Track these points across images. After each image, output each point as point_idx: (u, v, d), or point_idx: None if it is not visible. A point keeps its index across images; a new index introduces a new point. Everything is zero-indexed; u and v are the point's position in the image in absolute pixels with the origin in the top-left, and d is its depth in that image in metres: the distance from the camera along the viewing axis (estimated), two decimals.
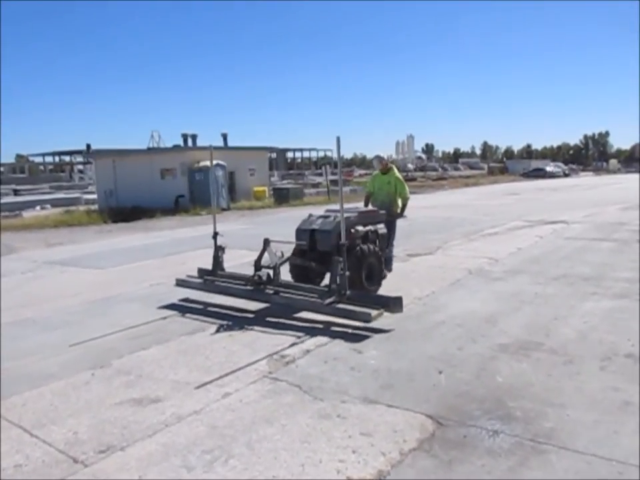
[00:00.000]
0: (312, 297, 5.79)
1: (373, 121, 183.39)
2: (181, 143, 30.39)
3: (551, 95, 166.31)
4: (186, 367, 4.47)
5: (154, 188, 23.14)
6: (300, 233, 6.82)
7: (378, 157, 8.28)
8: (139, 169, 24.01)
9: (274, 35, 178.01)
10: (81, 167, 67.30)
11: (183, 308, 6.43)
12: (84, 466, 3.06)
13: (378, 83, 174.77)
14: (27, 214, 23.60)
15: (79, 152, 61.91)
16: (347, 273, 5.58)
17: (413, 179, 43.94)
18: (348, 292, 5.57)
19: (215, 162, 22.66)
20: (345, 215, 6.01)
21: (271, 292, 6.19)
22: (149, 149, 34.25)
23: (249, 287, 6.34)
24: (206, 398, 3.85)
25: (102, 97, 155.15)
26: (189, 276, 7.18)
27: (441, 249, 10.00)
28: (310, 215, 7.11)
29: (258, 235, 7.99)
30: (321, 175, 44.61)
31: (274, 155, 61.43)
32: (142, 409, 3.74)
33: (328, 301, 5.51)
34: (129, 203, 22.35)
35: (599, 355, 4.46)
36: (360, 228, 6.73)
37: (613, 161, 79.37)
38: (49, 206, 27.75)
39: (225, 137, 31.45)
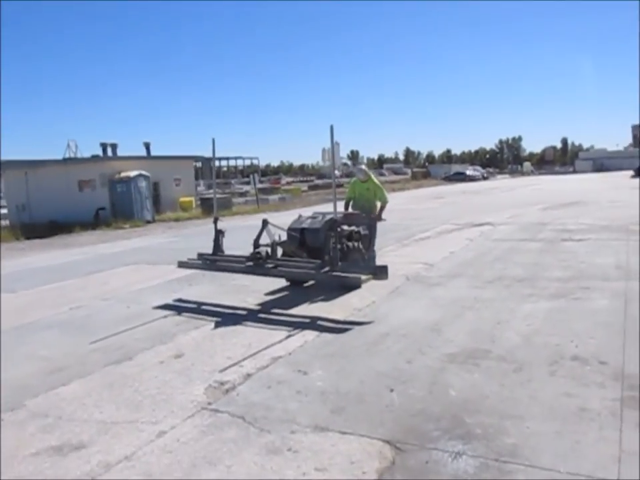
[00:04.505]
0: (308, 269, 6.42)
1: (299, 128, 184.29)
2: (100, 152, 28.87)
3: (468, 101, 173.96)
4: (113, 404, 3.98)
5: (72, 201, 21.85)
6: (291, 231, 7.45)
7: (362, 170, 8.86)
8: (55, 181, 22.61)
9: (193, 38, 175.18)
10: None
11: (104, 334, 5.85)
12: None
13: (302, 91, 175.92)
14: None
15: None
16: (339, 246, 6.38)
17: (340, 185, 44.25)
18: (340, 263, 6.29)
19: (136, 172, 21.82)
20: (330, 216, 6.75)
21: (271, 266, 6.74)
22: (65, 159, 32.34)
23: (249, 264, 6.86)
24: (137, 439, 3.40)
25: (10, 102, 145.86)
26: (189, 259, 7.75)
27: (377, 256, 9.88)
28: (300, 216, 7.98)
29: (187, 249, 7.58)
30: (247, 183, 44.00)
31: (199, 164, 59.99)
32: (62, 459, 3.24)
33: (323, 270, 6.20)
34: (44, 217, 20.98)
35: (546, 359, 4.41)
36: (345, 227, 7.46)
37: (527, 164, 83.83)
38: None
39: (147, 146, 30.20)
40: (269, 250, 6.90)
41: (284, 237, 7.36)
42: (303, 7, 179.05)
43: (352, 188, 8.73)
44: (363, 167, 9.19)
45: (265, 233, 7.06)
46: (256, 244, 7.04)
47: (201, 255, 7.60)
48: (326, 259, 6.30)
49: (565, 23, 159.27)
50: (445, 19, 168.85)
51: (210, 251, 7.53)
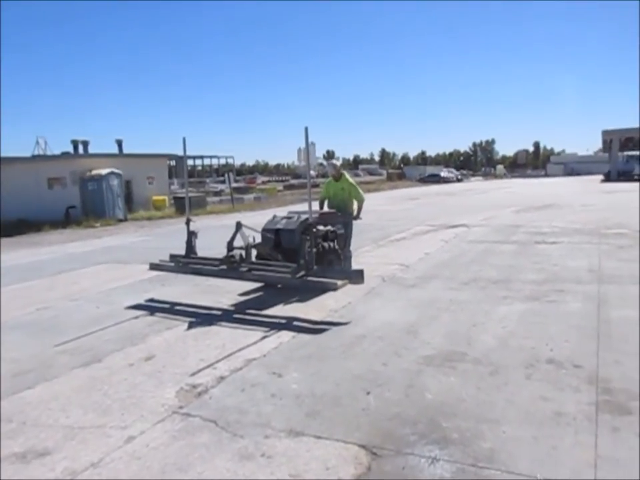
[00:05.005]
0: (283, 273, 6.33)
1: (275, 128, 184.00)
2: (71, 150, 28.26)
3: (443, 104, 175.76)
4: (80, 408, 3.84)
5: (41, 199, 21.33)
6: (265, 232, 7.32)
7: (332, 164, 8.76)
8: (23, 179, 22.03)
9: (168, 35, 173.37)
10: None
11: (72, 335, 5.67)
12: None
13: (278, 90, 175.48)
14: None
15: None
16: (314, 250, 6.31)
17: (316, 185, 44.28)
18: (315, 267, 6.23)
19: (108, 170, 21.40)
20: (306, 216, 6.71)
21: (245, 269, 6.65)
22: (34, 156, 31.64)
23: (222, 267, 6.75)
24: (105, 445, 3.27)
25: None
26: (161, 260, 7.56)
27: (352, 256, 9.84)
28: (274, 216, 7.80)
29: (160, 248, 7.42)
30: (222, 182, 43.62)
31: (173, 163, 59.32)
32: (26, 466, 3.10)
33: (299, 274, 6.12)
34: (11, 215, 20.41)
35: (521, 362, 4.40)
36: (321, 227, 7.32)
37: (500, 167, 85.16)
38: None
39: (119, 143, 29.72)
40: (243, 253, 6.78)
41: (258, 239, 7.24)
42: (279, 6, 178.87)
43: (326, 188, 8.64)
44: (334, 161, 9.07)
45: (238, 235, 6.92)
46: (229, 247, 6.90)
47: (173, 257, 7.44)
48: (301, 263, 6.22)
49: (540, 28, 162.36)
50: (419, 22, 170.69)
51: (183, 251, 7.40)
